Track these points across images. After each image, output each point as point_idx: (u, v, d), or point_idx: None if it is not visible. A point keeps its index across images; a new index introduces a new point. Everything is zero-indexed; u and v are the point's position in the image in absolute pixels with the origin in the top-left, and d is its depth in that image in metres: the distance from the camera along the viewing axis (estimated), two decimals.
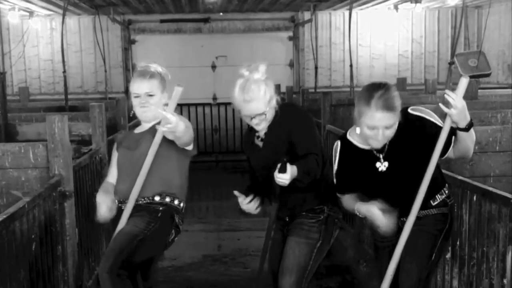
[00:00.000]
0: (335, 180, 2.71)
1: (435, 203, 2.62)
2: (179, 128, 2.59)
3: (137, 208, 2.83)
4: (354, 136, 2.63)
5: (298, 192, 2.68)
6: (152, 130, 2.86)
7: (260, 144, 2.78)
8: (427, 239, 2.61)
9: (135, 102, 2.91)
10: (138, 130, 3.05)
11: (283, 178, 2.46)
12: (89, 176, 4.01)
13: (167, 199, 2.88)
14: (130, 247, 2.68)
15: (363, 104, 2.43)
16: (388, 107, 2.39)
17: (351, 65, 7.98)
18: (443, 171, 2.84)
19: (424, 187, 2.49)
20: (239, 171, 8.43)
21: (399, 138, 2.52)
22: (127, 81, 10.23)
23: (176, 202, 2.91)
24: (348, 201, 2.70)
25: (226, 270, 4.69)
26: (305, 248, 2.73)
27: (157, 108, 2.83)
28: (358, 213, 2.66)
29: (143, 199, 2.85)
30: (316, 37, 10.01)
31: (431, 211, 2.62)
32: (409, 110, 2.56)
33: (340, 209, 2.82)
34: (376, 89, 2.43)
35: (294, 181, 2.53)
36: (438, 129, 2.48)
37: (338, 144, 2.68)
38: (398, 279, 2.62)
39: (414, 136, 2.52)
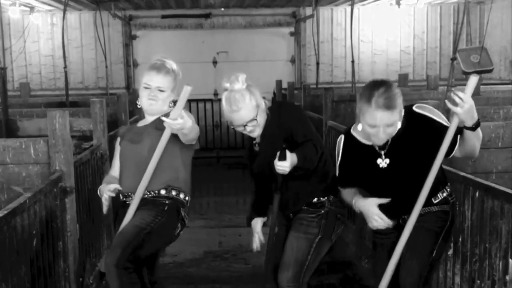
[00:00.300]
0: (337, 173, 2.71)
1: (436, 201, 2.61)
2: (187, 125, 2.60)
3: (142, 202, 2.82)
4: (357, 132, 2.63)
5: (299, 180, 2.70)
6: (155, 124, 2.86)
7: (258, 148, 2.80)
8: (428, 236, 2.60)
9: (143, 92, 2.91)
10: (141, 124, 3.05)
11: (283, 165, 2.49)
12: (90, 172, 4.01)
13: (173, 193, 2.87)
14: (137, 240, 2.68)
15: (364, 102, 2.41)
16: (388, 105, 2.37)
17: (352, 61, 7.95)
18: (446, 167, 2.83)
19: (427, 186, 2.47)
20: (240, 167, 8.43)
21: (402, 136, 2.50)
22: (128, 77, 10.23)
23: (181, 195, 2.90)
24: (348, 194, 2.71)
25: (227, 266, 4.69)
26: (303, 243, 2.74)
27: (164, 104, 2.86)
28: (354, 207, 2.66)
29: (148, 193, 2.84)
30: (318, 33, 9.98)
31: (432, 208, 2.61)
32: (414, 108, 2.54)
33: (343, 203, 2.82)
34: (377, 87, 2.40)
35: (295, 170, 2.53)
36: (443, 128, 2.45)
37: (342, 138, 2.69)
38: (399, 276, 2.61)
39: (417, 135, 2.50)
